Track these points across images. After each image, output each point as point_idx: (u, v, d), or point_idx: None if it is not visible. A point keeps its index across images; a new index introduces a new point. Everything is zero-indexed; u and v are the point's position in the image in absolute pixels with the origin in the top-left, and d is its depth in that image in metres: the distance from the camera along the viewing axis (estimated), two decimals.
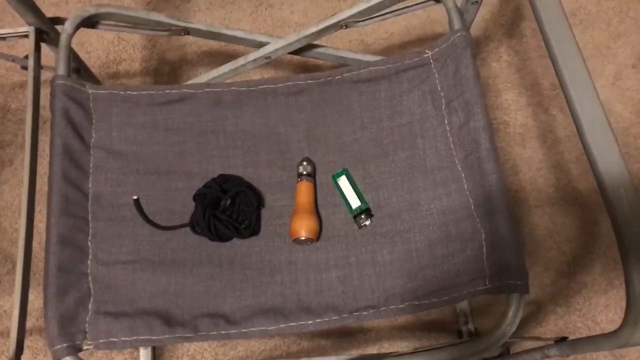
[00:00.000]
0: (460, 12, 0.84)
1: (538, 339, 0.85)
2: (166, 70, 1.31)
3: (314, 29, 0.89)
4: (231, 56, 1.29)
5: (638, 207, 0.57)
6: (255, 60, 0.93)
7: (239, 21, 1.36)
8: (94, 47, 1.33)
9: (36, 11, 0.86)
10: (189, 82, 0.94)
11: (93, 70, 1.17)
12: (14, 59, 0.93)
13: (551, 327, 1.14)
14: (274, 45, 0.91)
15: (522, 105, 1.28)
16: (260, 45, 0.92)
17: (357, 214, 0.79)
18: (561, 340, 0.73)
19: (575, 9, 1.37)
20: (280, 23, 1.36)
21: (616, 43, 1.34)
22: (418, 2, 0.88)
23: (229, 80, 0.93)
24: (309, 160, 0.82)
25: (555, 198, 1.21)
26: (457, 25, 0.82)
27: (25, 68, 0.87)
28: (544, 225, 1.19)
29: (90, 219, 0.75)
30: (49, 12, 0.90)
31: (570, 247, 1.19)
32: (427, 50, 0.83)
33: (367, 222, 0.78)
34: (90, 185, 0.77)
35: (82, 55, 1.28)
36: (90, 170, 0.77)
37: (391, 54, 1.33)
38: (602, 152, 0.60)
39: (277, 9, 1.37)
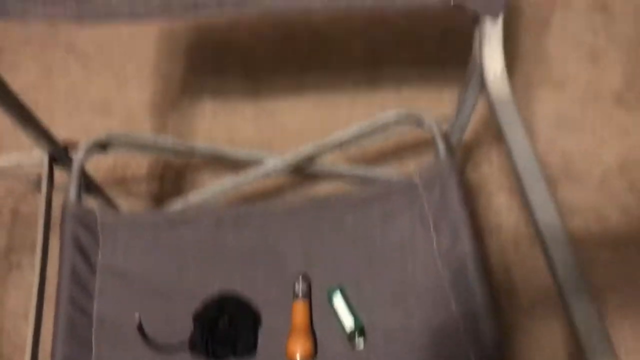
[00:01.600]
0: (447, 136, 0.90)
1: None
2: (171, 176, 1.37)
3: (310, 151, 0.95)
4: (234, 162, 1.35)
5: None
6: (255, 176, 0.98)
7: (243, 129, 1.42)
8: None
9: (49, 138, 0.92)
10: (193, 192, 0.99)
11: (100, 173, 1.20)
12: (27, 181, 0.98)
13: None
14: (273, 164, 0.97)
15: (514, 208, 1.33)
16: (261, 161, 0.98)
17: (351, 334, 0.81)
18: None
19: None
20: (281, 129, 1.42)
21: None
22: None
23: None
24: (305, 278, 0.85)
25: (551, 299, 1.23)
26: (442, 153, 0.87)
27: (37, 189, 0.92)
28: (536, 329, 1.21)
29: (94, 343, 0.78)
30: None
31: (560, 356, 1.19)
32: (414, 177, 0.89)
33: (362, 346, 0.80)
34: (95, 307, 0.80)
35: None
36: (96, 293, 0.81)
37: (389, 155, 1.37)
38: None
39: (278, 115, 1.44)
